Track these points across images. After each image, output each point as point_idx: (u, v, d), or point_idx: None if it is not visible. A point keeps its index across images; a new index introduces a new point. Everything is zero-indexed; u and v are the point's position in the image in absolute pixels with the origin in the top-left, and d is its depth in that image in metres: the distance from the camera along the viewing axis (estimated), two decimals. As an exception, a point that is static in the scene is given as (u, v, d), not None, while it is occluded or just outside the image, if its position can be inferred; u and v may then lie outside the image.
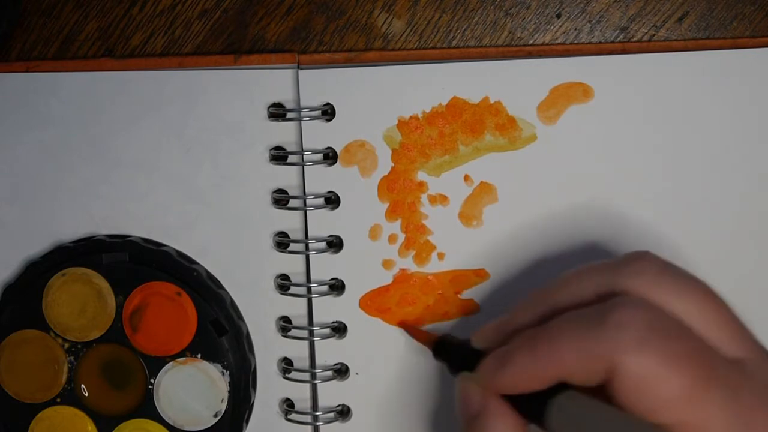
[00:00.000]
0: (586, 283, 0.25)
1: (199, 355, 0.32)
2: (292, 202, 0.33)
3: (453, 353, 0.29)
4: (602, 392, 0.22)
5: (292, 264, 0.33)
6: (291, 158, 0.33)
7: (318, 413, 0.34)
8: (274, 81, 0.33)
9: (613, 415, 0.22)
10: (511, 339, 0.25)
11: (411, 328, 0.32)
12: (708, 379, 0.21)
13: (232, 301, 0.34)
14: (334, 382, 0.33)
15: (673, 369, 0.21)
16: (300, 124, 0.33)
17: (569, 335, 0.23)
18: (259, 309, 0.34)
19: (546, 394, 0.23)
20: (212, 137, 0.33)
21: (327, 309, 0.33)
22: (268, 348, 0.34)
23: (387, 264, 0.33)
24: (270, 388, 0.34)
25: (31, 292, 0.33)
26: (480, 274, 0.33)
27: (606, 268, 0.25)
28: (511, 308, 0.27)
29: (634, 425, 0.21)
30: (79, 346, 0.33)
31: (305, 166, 0.33)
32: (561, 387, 0.23)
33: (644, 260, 0.24)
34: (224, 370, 0.32)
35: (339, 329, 0.33)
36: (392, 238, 0.33)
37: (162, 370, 0.33)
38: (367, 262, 0.33)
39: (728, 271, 0.32)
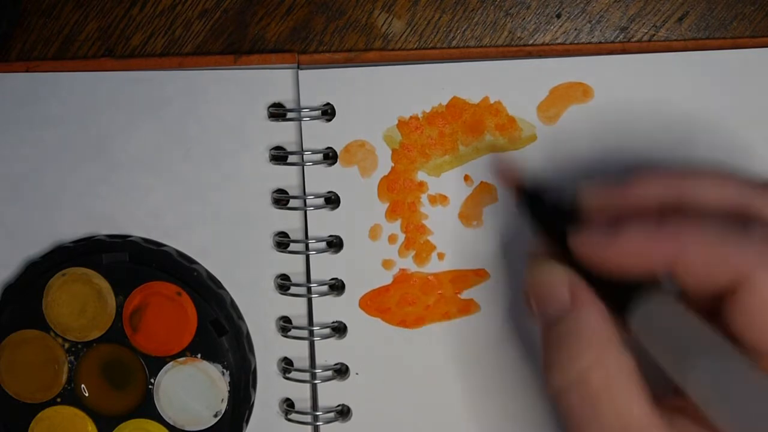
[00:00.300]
0: (723, 189, 0.23)
1: (199, 355, 0.32)
2: (292, 202, 0.33)
3: (543, 213, 0.25)
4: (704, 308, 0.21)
5: (292, 264, 0.33)
6: (291, 158, 0.33)
7: (318, 413, 0.34)
8: (274, 81, 0.33)
9: (705, 332, 0.20)
10: (625, 215, 0.23)
11: (502, 164, 0.29)
12: None
13: (232, 301, 0.34)
14: (334, 382, 0.33)
15: None
16: (300, 124, 0.33)
17: (705, 229, 0.21)
18: (259, 309, 0.34)
19: (634, 290, 0.22)
20: (212, 137, 0.33)
21: (327, 309, 0.33)
22: (268, 348, 0.34)
23: (387, 264, 0.33)
24: (270, 388, 0.34)
25: (31, 292, 0.33)
26: (480, 274, 0.33)
27: (748, 184, 0.23)
28: (630, 178, 0.24)
29: (724, 347, 0.20)
30: (79, 346, 0.33)
31: (305, 166, 0.33)
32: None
33: None
34: (224, 370, 0.32)
35: (339, 329, 0.33)
36: (392, 238, 0.33)
37: (162, 370, 0.33)
38: (367, 262, 0.33)
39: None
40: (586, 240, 0.23)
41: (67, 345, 0.33)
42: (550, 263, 0.24)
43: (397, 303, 0.33)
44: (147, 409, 0.33)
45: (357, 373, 0.33)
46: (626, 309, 0.22)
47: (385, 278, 0.33)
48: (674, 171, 0.24)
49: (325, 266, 0.33)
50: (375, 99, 0.32)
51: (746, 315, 0.20)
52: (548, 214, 0.25)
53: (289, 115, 0.33)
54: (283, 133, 0.33)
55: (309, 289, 0.33)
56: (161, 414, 0.33)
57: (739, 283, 0.20)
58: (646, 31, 0.33)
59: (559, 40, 0.33)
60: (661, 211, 0.23)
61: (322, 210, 0.33)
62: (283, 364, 0.34)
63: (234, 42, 0.34)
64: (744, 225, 0.21)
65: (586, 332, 0.22)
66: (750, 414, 0.18)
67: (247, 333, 0.34)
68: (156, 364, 0.33)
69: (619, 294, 0.22)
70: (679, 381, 0.21)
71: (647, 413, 0.21)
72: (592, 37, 0.33)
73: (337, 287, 0.33)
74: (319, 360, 0.33)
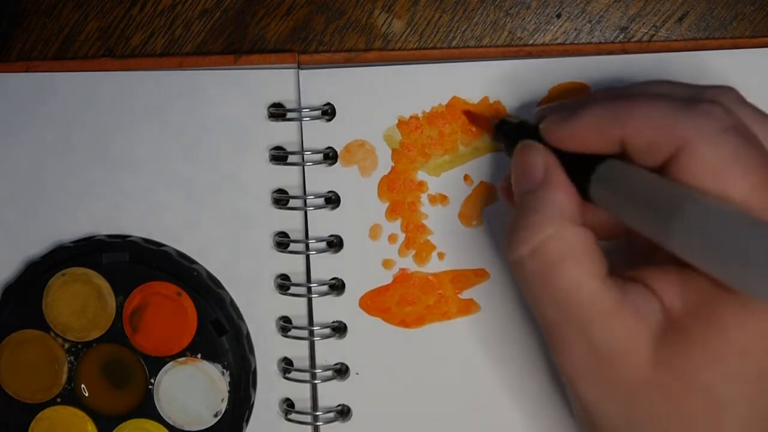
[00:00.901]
0: (668, 88, 0.25)
1: (199, 355, 0.32)
2: (293, 202, 0.33)
3: (513, 131, 0.28)
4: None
5: (292, 264, 0.33)
6: (291, 158, 0.33)
7: (318, 413, 0.34)
8: (274, 81, 0.33)
9: (673, 186, 0.22)
10: None
11: (471, 114, 0.32)
12: None
13: (232, 301, 0.34)
14: (334, 382, 0.33)
15: (743, 167, 0.21)
16: (300, 124, 0.33)
17: (652, 105, 0.23)
18: (259, 309, 0.34)
19: (594, 161, 0.23)
20: (212, 137, 0.33)
21: (327, 309, 0.33)
22: (268, 348, 0.34)
23: (387, 264, 0.33)
24: (270, 388, 0.34)
25: (31, 292, 0.33)
26: (480, 274, 0.33)
27: (693, 85, 0.25)
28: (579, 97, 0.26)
29: (683, 192, 0.21)
30: (79, 346, 0.33)
31: (305, 166, 0.33)
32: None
33: (731, 90, 0.24)
34: (224, 370, 0.32)
35: (339, 329, 0.33)
36: (392, 238, 0.33)
37: (162, 370, 0.33)
38: (367, 262, 0.33)
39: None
40: (549, 124, 0.25)
41: (67, 345, 0.33)
42: (531, 143, 0.26)
43: (397, 303, 0.33)
44: (147, 409, 0.33)
45: (357, 373, 0.33)
46: (587, 186, 0.24)
47: (385, 278, 0.33)
48: (617, 88, 0.26)
49: (325, 266, 0.33)
50: (375, 99, 0.32)
51: (687, 178, 0.22)
52: (519, 130, 0.28)
53: (290, 115, 0.33)
54: (284, 133, 0.33)
55: (309, 289, 0.33)
56: (161, 414, 0.33)
57: (679, 151, 0.22)
58: (646, 31, 0.33)
59: (559, 40, 0.33)
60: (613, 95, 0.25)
61: (322, 210, 0.33)
62: (283, 364, 0.34)
63: (234, 42, 0.34)
64: (689, 101, 0.23)
65: (551, 206, 0.24)
66: (743, 251, 0.19)
67: (247, 333, 0.34)
68: (156, 364, 0.33)
69: (585, 172, 0.24)
70: (658, 235, 0.21)
71: (597, 288, 0.23)
72: (592, 37, 0.33)
73: (337, 287, 0.33)
74: (319, 360, 0.33)
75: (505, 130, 0.29)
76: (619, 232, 0.27)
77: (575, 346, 0.23)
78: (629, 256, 0.27)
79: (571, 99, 0.27)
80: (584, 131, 0.24)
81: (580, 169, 0.24)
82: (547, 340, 0.24)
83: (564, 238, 0.23)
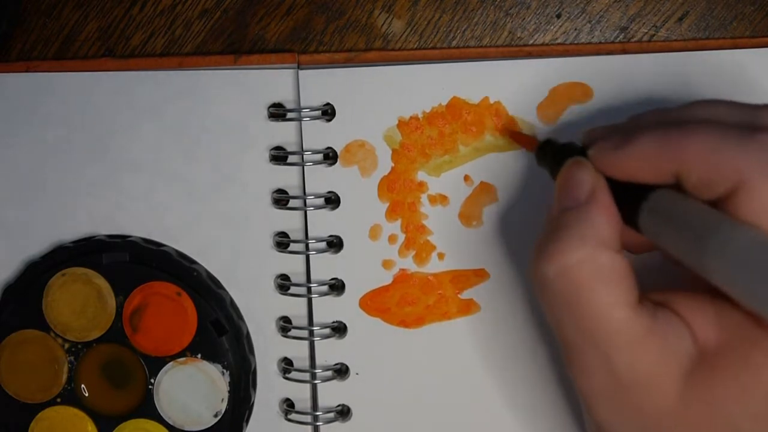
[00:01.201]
0: (723, 112, 0.23)
1: (199, 355, 0.32)
2: (292, 202, 0.33)
3: (558, 152, 0.27)
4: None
5: (292, 264, 0.33)
6: (291, 158, 0.33)
7: (318, 413, 0.34)
8: (274, 81, 0.33)
9: (719, 215, 0.21)
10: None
11: (513, 132, 0.31)
12: None
13: (232, 301, 0.34)
14: (334, 382, 0.33)
15: None
16: (300, 124, 0.33)
17: (707, 137, 0.22)
18: (259, 309, 0.34)
19: (645, 189, 0.23)
20: (212, 137, 0.33)
21: (327, 309, 0.33)
22: (268, 348, 0.34)
23: (387, 264, 0.33)
24: (270, 388, 0.34)
25: (31, 292, 0.33)
26: (480, 274, 0.33)
27: (747, 106, 0.23)
28: (629, 118, 0.25)
29: (743, 225, 0.20)
30: (79, 346, 0.33)
31: (305, 166, 0.33)
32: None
33: None
34: (224, 370, 0.32)
35: (339, 329, 0.33)
36: (392, 238, 0.33)
37: (162, 370, 0.33)
38: (367, 262, 0.33)
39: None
40: (600, 151, 0.24)
41: (67, 345, 0.33)
42: (583, 160, 0.25)
43: (397, 303, 0.33)
44: (147, 409, 0.33)
45: (357, 373, 0.33)
46: (635, 215, 0.23)
47: (385, 278, 0.33)
48: (668, 108, 0.25)
49: (325, 266, 0.33)
50: (375, 99, 0.32)
51: (744, 216, 0.21)
52: (564, 151, 0.27)
53: (290, 115, 0.33)
54: (283, 133, 0.33)
55: (309, 289, 0.33)
56: (161, 414, 0.33)
57: (738, 187, 0.21)
58: (646, 31, 0.33)
59: (559, 40, 0.33)
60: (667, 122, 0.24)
61: (322, 210, 0.33)
62: (283, 364, 0.34)
63: (234, 42, 0.34)
64: (746, 131, 0.21)
65: (590, 227, 0.23)
66: None
67: (247, 333, 0.34)
68: (156, 364, 0.33)
69: (634, 200, 0.23)
70: (697, 264, 0.21)
71: (626, 316, 0.22)
72: (592, 37, 0.33)
73: (337, 287, 0.33)
74: (319, 360, 0.33)
75: (551, 151, 0.28)
76: (651, 247, 0.26)
77: (597, 370, 0.22)
78: (661, 273, 0.26)
79: (621, 123, 0.26)
80: (636, 163, 0.23)
81: (628, 194, 0.23)
82: (565, 358, 0.23)
83: (597, 263, 0.22)
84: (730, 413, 0.21)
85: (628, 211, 0.23)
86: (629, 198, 0.23)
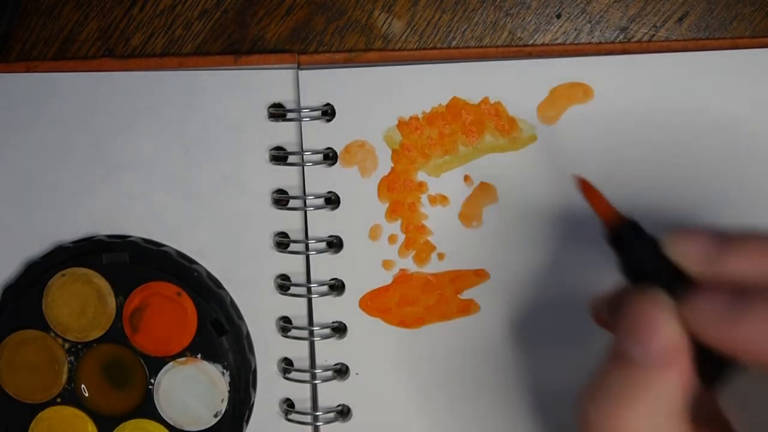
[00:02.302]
0: None
1: (199, 355, 0.33)
2: (292, 203, 0.33)
3: (640, 250, 0.22)
4: None
5: (292, 264, 0.33)
6: (291, 158, 0.33)
7: (318, 413, 0.34)
8: (274, 81, 0.33)
9: None
10: (729, 275, 0.19)
11: (592, 191, 0.25)
12: None
13: (232, 301, 0.34)
14: (334, 382, 0.33)
15: None
16: (300, 124, 0.33)
17: None
18: (259, 309, 0.34)
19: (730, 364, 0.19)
20: (212, 137, 0.33)
21: (327, 309, 0.33)
22: (268, 348, 0.34)
23: (387, 264, 0.33)
24: (270, 388, 0.34)
25: (31, 292, 0.33)
26: (480, 274, 0.33)
27: None
28: (736, 235, 0.20)
29: None
30: (79, 346, 0.33)
31: (305, 167, 0.33)
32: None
33: None
34: (224, 370, 0.32)
35: (339, 329, 0.33)
36: (392, 239, 0.33)
37: (162, 370, 0.33)
38: (367, 263, 0.33)
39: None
40: (707, 317, 0.19)
41: (67, 345, 0.33)
42: (668, 305, 0.20)
43: (397, 303, 0.33)
44: (147, 409, 0.33)
45: (357, 373, 0.33)
46: (717, 381, 0.20)
47: (385, 278, 0.33)
48: None
49: (325, 266, 0.33)
50: (375, 99, 0.32)
51: None
52: (647, 261, 0.22)
53: (289, 115, 0.33)
54: (283, 134, 0.33)
55: (309, 289, 0.33)
56: (161, 414, 0.33)
57: None
58: (646, 31, 0.33)
59: (559, 41, 0.33)
60: None
61: (322, 210, 0.33)
62: (283, 364, 0.34)
63: (234, 42, 0.34)
64: None
65: (661, 399, 0.20)
66: None
67: (247, 333, 0.34)
68: (156, 364, 0.33)
69: (714, 366, 0.20)
70: None
71: None
72: (592, 38, 0.33)
73: (337, 287, 0.33)
74: (319, 360, 0.33)
75: (631, 243, 0.23)
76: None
77: None
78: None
79: (720, 234, 0.21)
80: (754, 347, 0.18)
81: (713, 361, 0.20)
82: None
83: None
84: None
85: (704, 376, 0.20)
86: (712, 364, 0.20)
